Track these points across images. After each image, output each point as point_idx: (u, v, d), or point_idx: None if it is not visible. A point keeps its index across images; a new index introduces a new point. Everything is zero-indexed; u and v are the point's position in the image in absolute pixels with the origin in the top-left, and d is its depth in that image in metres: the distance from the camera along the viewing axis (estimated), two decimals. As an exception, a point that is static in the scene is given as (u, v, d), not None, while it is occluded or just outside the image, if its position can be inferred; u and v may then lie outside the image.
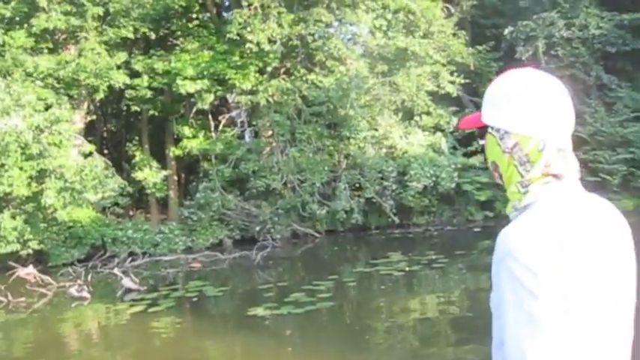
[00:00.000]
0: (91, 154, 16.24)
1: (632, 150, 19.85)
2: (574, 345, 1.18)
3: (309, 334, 7.94)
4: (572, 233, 1.21)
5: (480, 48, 21.17)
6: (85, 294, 11.32)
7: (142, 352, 7.89)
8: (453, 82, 19.02)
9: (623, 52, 21.72)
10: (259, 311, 8.77)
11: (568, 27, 20.79)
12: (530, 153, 1.28)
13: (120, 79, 16.31)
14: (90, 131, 20.96)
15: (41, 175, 14.78)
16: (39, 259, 15.51)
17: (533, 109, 1.27)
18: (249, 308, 8.93)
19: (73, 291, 11.44)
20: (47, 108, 14.90)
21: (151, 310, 9.68)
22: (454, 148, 20.41)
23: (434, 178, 18.03)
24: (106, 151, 22.52)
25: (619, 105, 21.16)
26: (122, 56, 16.39)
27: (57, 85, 16.06)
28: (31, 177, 14.48)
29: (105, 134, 24.39)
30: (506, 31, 21.19)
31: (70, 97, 16.40)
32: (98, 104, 21.42)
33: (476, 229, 18.45)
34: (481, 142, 1.41)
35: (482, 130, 1.38)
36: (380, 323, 8.30)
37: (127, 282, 11.72)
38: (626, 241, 1.31)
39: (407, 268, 11.36)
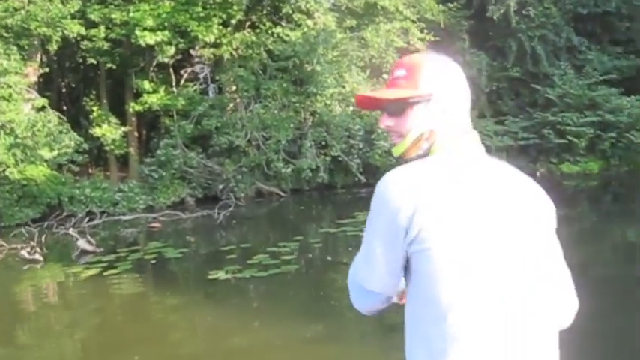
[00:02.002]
0: (44, 108, 15.40)
1: (600, 113, 19.81)
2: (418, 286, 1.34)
3: (272, 298, 7.59)
4: (451, 188, 1.34)
5: (450, 5, 20.67)
6: (38, 256, 10.77)
7: (97, 316, 7.46)
8: (422, 40, 18.58)
9: (594, 14, 21.53)
10: (221, 274, 8.38)
11: (541, -14, 20.43)
12: (457, 114, 1.52)
13: (74, 29, 15.41)
14: (46, 85, 19.98)
15: (-9, 131, 13.99)
16: (-9, 218, 14.81)
17: (458, 79, 1.55)
18: (211, 271, 8.53)
19: (24, 253, 10.87)
20: (-5, 59, 14.00)
21: (107, 272, 9.21)
22: (422, 106, 20.12)
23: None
24: (64, 107, 21.59)
25: (588, 68, 21.05)
26: (76, 4, 15.42)
27: (5, 35, 15.07)
28: (-21, 132, 13.69)
29: (63, 89, 23.36)
30: (477, -12, 20.73)
31: (21, 47, 15.42)
32: (54, 57, 20.39)
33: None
34: (388, 121, 1.52)
35: (396, 106, 1.49)
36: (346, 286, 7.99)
37: (82, 243, 11.20)
38: (518, 206, 1.40)
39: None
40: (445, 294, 1.29)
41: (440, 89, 1.49)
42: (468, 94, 1.55)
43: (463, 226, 1.31)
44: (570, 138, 19.55)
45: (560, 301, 1.42)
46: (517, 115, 20.98)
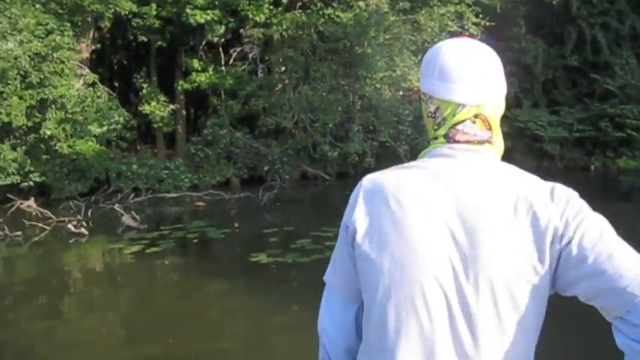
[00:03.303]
0: (94, 84, 15.54)
1: (663, 106, 18.90)
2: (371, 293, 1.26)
3: (314, 284, 7.42)
4: (406, 186, 1.26)
5: (507, -11, 19.94)
6: (83, 230, 10.87)
7: (137, 293, 7.44)
8: (477, 24, 17.97)
9: (662, -1, 20.45)
10: (262, 258, 8.25)
11: (605, -30, 19.50)
12: (447, 117, 1.32)
13: (126, 6, 15.47)
14: (98, 62, 20.22)
15: (42, 105, 14.17)
16: (41, 191, 15.08)
17: (452, 76, 1.31)
18: (252, 254, 8.41)
19: (70, 227, 10.99)
20: (48, 34, 14.13)
21: (150, 250, 9.21)
22: (474, 93, 19.58)
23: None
24: (115, 84, 21.84)
25: (652, 56, 20.08)
26: (129, -19, 15.47)
27: (60, 11, 15.21)
28: (31, 106, 13.87)
29: (115, 66, 23.64)
30: (537, -28, 19.94)
31: (74, 23, 15.56)
32: (106, 34, 20.59)
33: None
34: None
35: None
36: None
37: (127, 219, 11.26)
38: (504, 218, 1.22)
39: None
40: (368, 297, 1.28)
41: (421, 85, 1.39)
42: (472, 85, 1.30)
43: (394, 234, 1.24)
44: (629, 131, 18.73)
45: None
46: (573, 106, 20.20)
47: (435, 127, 1.35)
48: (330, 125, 16.49)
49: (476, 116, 1.31)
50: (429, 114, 1.36)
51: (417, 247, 1.22)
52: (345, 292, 1.37)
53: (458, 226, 1.22)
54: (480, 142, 1.31)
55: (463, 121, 1.31)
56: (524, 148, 19.87)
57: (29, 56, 13.08)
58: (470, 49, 1.33)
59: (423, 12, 17.56)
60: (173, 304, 6.86)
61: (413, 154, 17.17)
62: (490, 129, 1.33)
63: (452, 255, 1.21)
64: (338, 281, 1.37)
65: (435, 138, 1.34)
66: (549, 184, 1.29)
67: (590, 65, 20.28)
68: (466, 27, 17.75)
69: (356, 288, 1.33)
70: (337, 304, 1.39)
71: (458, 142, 1.31)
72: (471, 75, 1.30)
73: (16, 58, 12.63)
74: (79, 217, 11.88)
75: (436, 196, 1.25)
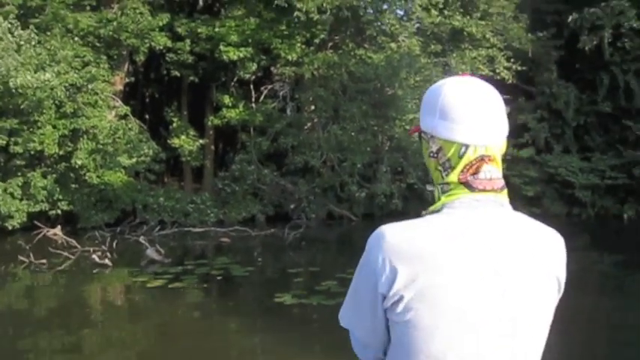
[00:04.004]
0: (126, 116, 15.75)
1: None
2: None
3: (338, 328, 7.23)
4: (445, 249, 1.20)
5: (540, 35, 19.86)
6: (107, 262, 10.85)
7: (158, 329, 7.31)
8: (509, 69, 17.92)
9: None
10: (287, 299, 8.09)
11: (639, 17, 19.34)
12: (451, 158, 1.28)
13: (161, 41, 15.76)
14: (131, 95, 20.55)
15: (75, 135, 14.38)
16: (68, 220, 15.20)
17: (456, 115, 1.27)
18: (277, 294, 8.26)
19: (95, 257, 10.99)
20: (85, 66, 14.42)
21: (172, 285, 9.12)
22: (504, 138, 19.39)
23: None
24: (146, 116, 22.14)
25: (686, 106, 19.72)
26: (165, 17, 15.78)
27: (97, 44, 15.58)
28: (64, 136, 14.09)
29: (147, 99, 24.01)
30: (569, 19, 19.86)
31: (110, 57, 15.89)
32: (140, 68, 20.96)
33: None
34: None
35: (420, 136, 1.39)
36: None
37: (151, 252, 11.22)
38: (535, 268, 1.25)
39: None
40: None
41: (422, 123, 1.34)
42: (478, 126, 1.27)
43: (446, 300, 1.19)
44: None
45: None
46: (605, 152, 19.85)
47: (440, 169, 1.30)
48: (358, 165, 16.41)
49: (488, 158, 1.27)
50: (431, 154, 1.32)
51: (470, 318, 1.20)
52: (368, 341, 1.34)
53: (502, 287, 1.21)
54: (502, 189, 1.29)
55: (475, 165, 1.27)
56: (554, 194, 19.53)
57: (65, 87, 13.32)
58: (473, 87, 1.30)
59: (455, 55, 17.57)
60: (193, 341, 6.72)
61: (441, 197, 16.98)
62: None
63: (501, 319, 1.21)
64: (362, 330, 1.33)
65: (447, 183, 1.28)
66: (557, 234, 1.32)
67: (622, 112, 19.98)
68: (497, 71, 17.71)
69: (380, 341, 1.31)
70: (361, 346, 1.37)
71: (483, 190, 1.26)
72: (474, 114, 1.27)
73: (52, 89, 12.89)
74: (103, 247, 11.89)
75: (476, 259, 1.21)
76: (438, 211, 1.26)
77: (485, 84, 1.32)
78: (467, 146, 1.26)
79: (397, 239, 1.22)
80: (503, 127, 1.31)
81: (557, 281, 1.28)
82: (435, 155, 1.31)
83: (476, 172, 1.26)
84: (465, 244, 1.21)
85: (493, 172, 1.28)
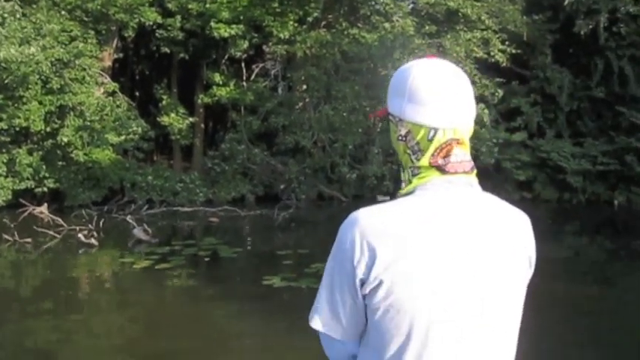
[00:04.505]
0: (114, 93, 15.46)
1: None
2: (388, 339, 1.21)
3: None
4: (415, 235, 1.20)
5: (535, 17, 19.65)
6: (93, 241, 10.68)
7: (143, 311, 7.17)
8: (503, 51, 17.72)
9: (693, 33, 20.05)
10: (275, 281, 7.96)
11: (636, 2, 19.16)
12: (420, 141, 1.28)
13: (151, 17, 15.44)
14: (120, 71, 20.22)
15: (61, 112, 14.10)
16: (55, 198, 14.98)
17: (424, 98, 1.26)
18: (265, 276, 8.12)
19: (81, 236, 10.80)
20: (72, 41, 14.09)
21: (159, 266, 8.96)
22: (496, 121, 19.25)
23: (473, 151, 16.67)
24: (136, 94, 21.82)
25: (681, 92, 19.62)
26: (155, -8, 15.44)
27: (85, 19, 15.23)
28: (50, 112, 13.81)
29: (136, 76, 23.65)
30: (565, 2, 19.63)
31: (98, 32, 15.56)
32: (130, 44, 20.60)
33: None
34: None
35: (387, 119, 1.37)
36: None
37: (138, 232, 11.05)
38: (505, 248, 1.27)
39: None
40: (402, 340, 1.21)
41: (390, 106, 1.33)
42: (446, 108, 1.26)
43: (425, 281, 1.19)
44: (656, 169, 18.28)
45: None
46: (597, 138, 19.77)
47: (409, 152, 1.30)
48: (350, 146, 16.25)
49: (456, 141, 1.27)
50: (400, 137, 1.31)
51: (451, 294, 1.21)
52: (348, 336, 1.29)
53: (478, 268, 1.23)
54: (472, 170, 1.30)
55: (445, 148, 1.26)
56: (546, 179, 19.47)
57: (51, 62, 13.01)
58: (441, 70, 1.29)
59: (449, 36, 17.35)
60: (179, 325, 6.59)
61: (432, 180, 16.88)
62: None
63: (474, 299, 1.22)
64: (341, 327, 1.27)
65: (417, 167, 1.28)
66: (523, 214, 1.35)
67: (616, 98, 19.88)
68: (492, 53, 17.52)
69: (360, 331, 1.28)
70: (338, 346, 1.32)
71: (455, 173, 1.26)
72: (443, 97, 1.26)
73: (37, 63, 12.58)
74: (90, 226, 11.69)
75: (450, 241, 1.22)
76: (410, 193, 1.27)
77: (454, 66, 1.31)
78: (436, 129, 1.26)
79: (373, 222, 1.21)
80: (471, 110, 1.30)
81: (528, 258, 1.31)
82: (404, 139, 1.30)
83: (447, 155, 1.26)
84: (439, 225, 1.22)
85: (463, 154, 1.28)
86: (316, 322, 1.29)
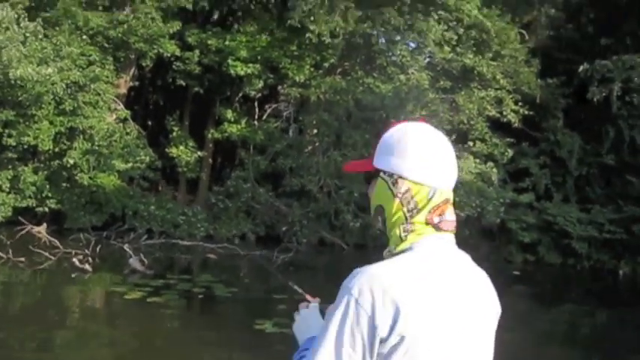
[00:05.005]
0: (125, 120, 15.51)
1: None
2: None
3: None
4: (428, 290, 1.24)
5: (549, 81, 19.76)
6: (87, 267, 10.52)
7: (127, 349, 6.95)
8: (516, 112, 17.77)
9: None
10: (268, 326, 7.76)
11: (650, 73, 19.27)
12: (419, 200, 1.32)
13: (170, 48, 15.60)
14: (135, 99, 20.36)
15: (71, 134, 14.13)
16: (55, 219, 14.89)
17: (426, 159, 1.33)
18: (258, 320, 7.92)
19: (75, 261, 10.65)
20: (89, 65, 14.21)
21: (150, 299, 8.77)
22: (504, 181, 19.16)
23: (479, 209, 16.82)
24: (149, 122, 21.93)
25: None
26: (176, 25, 15.61)
27: (105, 45, 15.39)
28: (60, 133, 13.83)
29: (150, 106, 23.82)
30: (580, 68, 19.77)
31: (116, 59, 15.71)
32: (149, 74, 20.80)
33: (514, 272, 17.14)
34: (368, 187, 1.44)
35: (369, 175, 1.42)
36: None
37: (134, 262, 10.90)
38: (486, 303, 1.36)
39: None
40: None
41: (386, 165, 1.37)
42: (435, 176, 1.33)
43: (438, 333, 1.24)
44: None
45: None
46: (605, 206, 19.61)
47: (404, 210, 1.33)
48: (356, 194, 16.14)
49: (449, 201, 1.34)
50: (398, 194, 1.33)
51: (456, 349, 1.27)
52: None
53: (471, 324, 1.30)
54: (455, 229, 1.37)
55: (441, 207, 1.32)
56: (550, 242, 19.26)
57: (66, 84, 13.10)
58: (435, 133, 1.37)
59: (463, 93, 17.43)
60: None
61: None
62: None
63: (466, 351, 1.29)
64: None
65: (412, 224, 1.31)
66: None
67: (626, 166, 19.80)
68: (504, 113, 17.57)
69: None
70: None
71: (446, 231, 1.33)
72: (442, 159, 1.34)
73: (53, 84, 12.66)
74: (86, 251, 11.55)
75: (454, 298, 1.28)
76: (407, 249, 1.30)
77: (437, 130, 1.39)
78: (435, 189, 1.32)
79: (392, 277, 1.22)
80: (456, 173, 1.39)
81: (497, 314, 1.40)
82: (401, 196, 1.33)
83: (441, 214, 1.32)
84: (444, 282, 1.27)
85: (453, 214, 1.35)
86: None
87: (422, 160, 1.32)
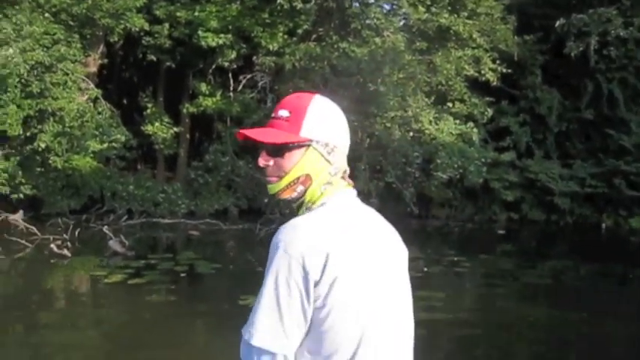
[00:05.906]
0: (97, 99, 15.09)
1: (678, 166, 18.34)
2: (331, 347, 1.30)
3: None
4: (350, 234, 1.36)
5: (527, 38, 19.56)
6: (66, 252, 10.27)
7: (108, 334, 6.77)
8: (494, 70, 17.57)
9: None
10: (252, 301, 7.59)
11: (626, 26, 19.14)
12: (342, 162, 1.47)
13: (138, 23, 15.11)
14: (106, 77, 19.84)
15: (41, 116, 13.71)
16: (31, 205, 14.55)
17: (343, 125, 1.50)
18: (242, 295, 7.76)
19: (53, 247, 10.39)
20: (54, 44, 13.73)
21: (132, 281, 8.58)
22: (485, 141, 19.10)
23: (461, 171, 16.76)
24: (124, 101, 21.45)
25: (669, 116, 19.59)
26: (143, -2, 15.11)
27: (70, 23, 14.86)
28: (29, 117, 13.41)
29: (122, 83, 23.28)
30: (557, 24, 19.61)
31: (83, 36, 15.20)
32: (117, 50, 20.26)
33: (499, 231, 17.17)
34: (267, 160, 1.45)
35: (286, 147, 1.42)
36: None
37: (114, 243, 10.67)
38: (398, 246, 1.49)
39: (425, 269, 10.13)
40: (353, 340, 1.31)
41: (321, 136, 1.43)
42: (348, 140, 1.50)
43: (365, 274, 1.33)
44: (644, 191, 18.17)
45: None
46: (586, 160, 19.67)
47: (330, 171, 1.43)
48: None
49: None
50: (334, 162, 1.44)
51: (382, 298, 1.36)
52: (291, 349, 1.30)
53: (391, 264, 1.43)
54: None
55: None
56: (533, 199, 19.32)
57: (31, 65, 12.64)
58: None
59: (440, 53, 17.18)
60: (144, 349, 6.20)
61: (418, 198, 16.65)
62: None
63: (398, 298, 1.43)
64: (285, 339, 1.29)
65: (329, 183, 1.43)
66: None
67: (605, 120, 19.80)
68: (482, 72, 17.37)
69: (299, 342, 1.31)
70: None
71: (350, 184, 1.48)
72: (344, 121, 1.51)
73: (15, 66, 12.19)
74: (65, 236, 11.29)
75: (371, 242, 1.39)
76: (324, 203, 1.41)
77: None
78: (346, 149, 1.49)
79: (316, 226, 1.32)
80: None
81: (407, 255, 1.51)
82: (334, 163, 1.44)
83: (346, 169, 1.48)
84: (362, 228, 1.39)
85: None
86: (260, 339, 1.29)
87: (342, 126, 1.47)
